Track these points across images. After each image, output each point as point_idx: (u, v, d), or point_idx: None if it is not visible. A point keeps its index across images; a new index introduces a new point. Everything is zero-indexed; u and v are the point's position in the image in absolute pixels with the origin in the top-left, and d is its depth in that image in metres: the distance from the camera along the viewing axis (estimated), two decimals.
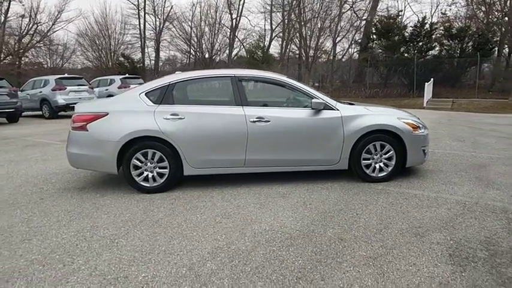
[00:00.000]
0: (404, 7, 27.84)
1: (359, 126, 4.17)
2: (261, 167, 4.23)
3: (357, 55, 28.16)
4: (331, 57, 29.73)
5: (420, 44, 21.38)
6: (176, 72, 5.14)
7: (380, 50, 23.95)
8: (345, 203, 3.65)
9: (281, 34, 32.03)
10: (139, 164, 4.03)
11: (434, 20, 23.50)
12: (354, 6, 28.70)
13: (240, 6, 32.13)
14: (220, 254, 2.64)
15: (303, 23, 28.96)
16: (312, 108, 4.17)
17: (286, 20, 31.12)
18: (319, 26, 28.76)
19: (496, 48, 20.84)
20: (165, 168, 4.06)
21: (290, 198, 3.81)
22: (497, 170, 4.80)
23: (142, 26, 33.24)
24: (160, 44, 34.32)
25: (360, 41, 27.32)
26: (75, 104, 4.33)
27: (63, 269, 2.47)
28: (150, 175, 4.06)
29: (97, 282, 2.30)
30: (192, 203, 3.76)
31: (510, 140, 7.20)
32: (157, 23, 33.57)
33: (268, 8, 32.03)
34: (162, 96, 4.13)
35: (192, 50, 33.88)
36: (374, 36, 24.49)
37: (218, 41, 32.61)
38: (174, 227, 3.14)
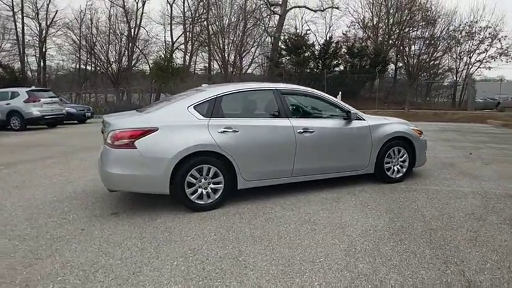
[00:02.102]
0: (302, 26, 30.78)
1: (383, 133, 4.78)
2: (306, 176, 4.46)
3: (268, 69, 29.98)
4: (238, 71, 30.99)
5: (328, 60, 24.10)
6: (202, 85, 4.98)
7: (290, 65, 26.04)
8: (394, 201, 4.16)
9: (183, 46, 31.81)
10: (194, 181, 3.85)
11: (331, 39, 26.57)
12: (261, 22, 30.63)
13: (139, 16, 30.80)
14: (356, 254, 2.83)
15: (213, 36, 29.51)
16: (347, 119, 4.61)
17: (188, 33, 31.09)
18: (225, 41, 29.71)
19: (389, 66, 24.90)
20: (219, 183, 3.97)
21: (345, 202, 4.14)
22: (466, 166, 5.99)
23: (20, 30, 29.02)
24: (47, 52, 30.57)
25: (269, 54, 29.22)
26: None
27: None
28: (205, 192, 3.92)
29: None
30: (260, 215, 3.78)
31: (443, 142, 8.91)
32: (41, 28, 29.79)
33: (168, 20, 31.50)
34: (212, 109, 4.05)
35: (83, 59, 31.06)
36: (284, 52, 26.55)
37: (115, 50, 30.47)
38: (277, 239, 3.17)
